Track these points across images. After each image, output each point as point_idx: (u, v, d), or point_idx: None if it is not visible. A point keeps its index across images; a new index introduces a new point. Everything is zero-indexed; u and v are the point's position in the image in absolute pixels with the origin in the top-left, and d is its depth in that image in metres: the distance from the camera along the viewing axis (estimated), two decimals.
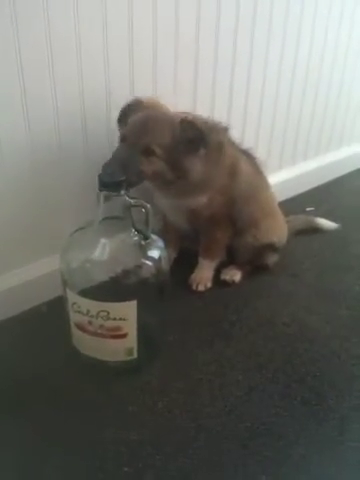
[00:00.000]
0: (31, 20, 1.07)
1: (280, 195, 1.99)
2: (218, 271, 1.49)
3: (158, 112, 1.20)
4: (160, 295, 1.12)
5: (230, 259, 1.50)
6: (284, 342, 1.26)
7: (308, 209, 1.99)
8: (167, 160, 1.15)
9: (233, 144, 1.35)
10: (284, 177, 2.02)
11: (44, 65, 1.14)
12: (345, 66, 2.08)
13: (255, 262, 1.51)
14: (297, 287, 1.50)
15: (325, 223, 1.77)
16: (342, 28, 1.94)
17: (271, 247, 1.51)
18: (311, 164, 2.18)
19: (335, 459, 0.97)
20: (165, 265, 1.10)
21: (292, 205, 2.01)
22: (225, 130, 1.29)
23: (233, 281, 1.47)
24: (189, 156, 1.18)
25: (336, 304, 1.41)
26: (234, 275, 1.48)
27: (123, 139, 1.16)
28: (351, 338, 1.28)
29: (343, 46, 1.99)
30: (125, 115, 1.19)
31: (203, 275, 1.46)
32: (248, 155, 1.41)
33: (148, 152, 1.14)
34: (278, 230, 1.54)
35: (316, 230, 1.76)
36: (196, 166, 1.20)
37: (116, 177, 1.00)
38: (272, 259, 1.55)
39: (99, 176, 1.01)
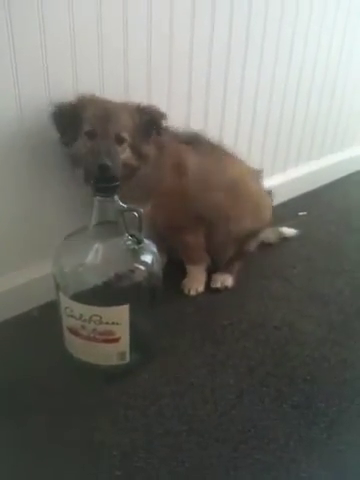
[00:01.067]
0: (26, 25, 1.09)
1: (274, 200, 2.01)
2: (209, 278, 1.49)
3: (112, 102, 1.18)
4: (152, 299, 1.12)
5: (215, 264, 1.49)
6: (275, 346, 1.27)
7: (301, 213, 2.01)
8: (132, 146, 1.16)
9: (174, 141, 1.30)
10: (276, 182, 2.03)
11: (40, 78, 1.16)
12: (337, 71, 2.11)
13: (238, 256, 1.49)
14: (289, 291, 1.51)
15: (287, 231, 1.76)
16: (335, 33, 1.97)
17: (250, 235, 1.47)
18: (303, 169, 2.20)
19: (325, 462, 0.98)
20: (158, 269, 1.11)
21: (285, 210, 2.03)
22: (164, 129, 1.24)
23: (226, 287, 1.47)
24: (146, 141, 1.19)
25: (327, 308, 1.43)
26: (225, 281, 1.48)
27: (93, 135, 1.14)
28: (342, 342, 1.29)
29: (336, 52, 2.02)
30: (75, 113, 1.14)
31: (194, 280, 1.45)
32: (195, 140, 1.35)
33: (120, 140, 1.14)
34: (253, 213, 1.45)
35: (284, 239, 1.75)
36: (152, 151, 1.21)
37: (108, 170, 1.07)
38: (254, 244, 1.54)
39: (94, 181, 1.02)
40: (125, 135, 1.14)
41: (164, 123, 1.19)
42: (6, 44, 1.08)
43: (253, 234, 1.50)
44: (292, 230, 1.75)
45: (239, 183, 1.41)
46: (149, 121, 1.18)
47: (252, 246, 1.55)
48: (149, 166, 1.21)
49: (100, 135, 1.13)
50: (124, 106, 1.18)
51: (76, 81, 1.22)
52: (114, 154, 1.12)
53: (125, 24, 1.26)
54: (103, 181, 1.03)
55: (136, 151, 1.17)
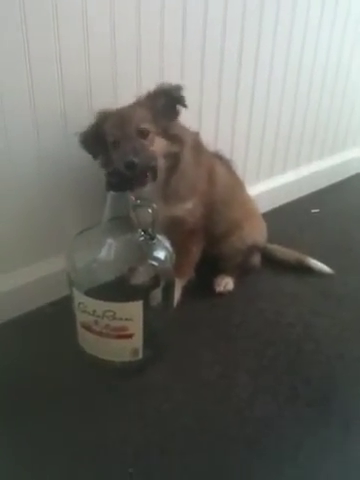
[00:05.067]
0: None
1: (285, 197, 2.01)
2: (210, 281, 1.47)
3: (127, 106, 1.17)
4: (166, 295, 1.12)
5: (220, 267, 1.48)
6: (289, 344, 1.26)
7: (313, 211, 1.99)
8: (161, 133, 1.15)
9: (207, 149, 1.33)
10: (289, 179, 2.03)
11: (53, 79, 1.16)
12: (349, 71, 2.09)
13: (243, 265, 1.50)
14: (302, 288, 1.50)
15: (317, 265, 1.57)
16: (334, 32, 1.93)
17: (256, 247, 1.50)
18: (315, 166, 2.18)
19: (340, 461, 0.97)
20: (171, 265, 1.10)
21: (297, 207, 2.02)
22: (197, 134, 1.28)
23: (228, 291, 1.46)
24: (173, 121, 1.17)
25: (341, 306, 1.41)
26: (227, 284, 1.47)
27: (116, 143, 1.14)
28: (357, 340, 1.28)
29: (335, 51, 1.99)
30: (98, 130, 1.16)
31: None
32: (220, 157, 1.40)
33: (143, 133, 1.13)
34: (260, 229, 1.53)
35: (307, 269, 1.57)
36: (185, 130, 1.20)
37: (135, 167, 1.06)
38: (258, 259, 1.55)
39: (107, 176, 1.01)
40: (146, 126, 1.12)
41: (182, 93, 1.15)
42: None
43: (256, 248, 1.51)
44: (325, 267, 1.57)
45: (249, 203, 1.52)
46: (168, 101, 1.15)
47: (256, 261, 1.54)
48: (187, 161, 1.21)
49: (122, 140, 1.12)
50: (137, 103, 1.16)
51: (90, 88, 1.22)
52: (139, 149, 1.10)
53: (138, 39, 1.28)
54: (116, 176, 1.02)
55: (169, 138, 1.16)
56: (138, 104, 1.16)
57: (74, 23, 1.15)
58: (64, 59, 1.16)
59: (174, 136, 1.17)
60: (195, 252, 1.36)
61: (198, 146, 1.27)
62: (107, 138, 1.15)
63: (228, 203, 1.37)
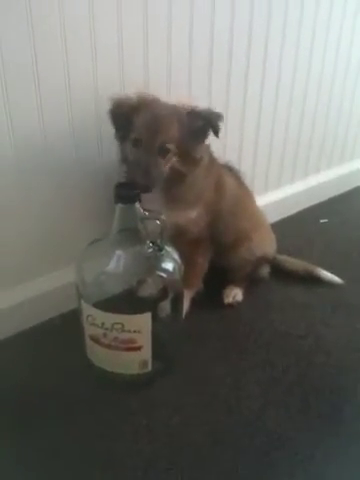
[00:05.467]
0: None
1: (293, 207, 2.00)
2: (219, 292, 1.46)
3: (163, 108, 1.16)
4: (174, 307, 1.11)
5: (228, 278, 1.48)
6: (300, 355, 1.25)
7: (322, 221, 1.99)
8: (179, 154, 1.14)
9: (216, 160, 1.33)
10: (297, 189, 2.02)
11: (61, 89, 1.17)
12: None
13: (252, 276, 1.50)
14: (312, 299, 1.48)
15: (327, 275, 1.56)
16: (341, 45, 1.93)
17: (265, 259, 1.50)
18: (324, 176, 2.17)
19: (353, 474, 0.95)
20: (179, 277, 1.10)
21: (305, 217, 2.01)
22: (207, 146, 1.26)
23: (237, 302, 1.45)
24: (198, 144, 1.17)
25: (352, 317, 1.40)
26: (236, 295, 1.46)
27: (137, 144, 1.14)
28: None
29: (343, 62, 1.99)
30: (127, 115, 1.15)
31: None
32: (230, 169, 1.40)
33: (164, 151, 1.12)
34: (269, 240, 1.53)
35: (316, 280, 1.56)
36: (203, 153, 1.20)
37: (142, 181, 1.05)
38: (266, 270, 1.54)
39: (115, 189, 1.01)
40: (170, 146, 1.12)
41: (221, 124, 1.14)
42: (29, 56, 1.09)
43: (265, 259, 1.51)
44: (335, 277, 1.56)
45: (258, 214, 1.51)
46: (204, 126, 1.14)
47: (265, 272, 1.54)
48: (202, 169, 1.21)
49: (145, 146, 1.12)
50: (175, 112, 1.14)
51: (96, 95, 1.23)
52: (154, 167, 1.11)
53: (145, 46, 1.28)
54: (125, 188, 1.02)
55: (184, 158, 1.15)
56: (176, 116, 1.14)
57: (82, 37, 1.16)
58: (72, 73, 1.17)
59: (191, 159, 1.16)
60: (201, 263, 1.36)
61: (210, 156, 1.27)
62: (132, 130, 1.14)
63: (236, 214, 1.37)
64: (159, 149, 1.11)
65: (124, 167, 1.19)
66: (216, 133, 1.15)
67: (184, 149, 1.14)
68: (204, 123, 1.14)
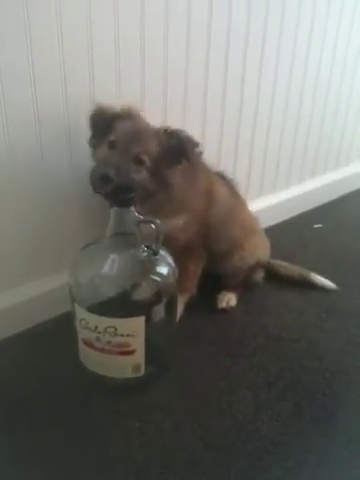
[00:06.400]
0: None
1: (288, 212, 2.01)
2: (213, 297, 1.46)
3: (145, 123, 1.18)
4: (168, 311, 1.11)
5: (222, 283, 1.48)
6: (293, 359, 1.25)
7: (316, 226, 1.99)
8: (152, 171, 1.14)
9: (207, 168, 1.33)
10: (292, 194, 2.03)
11: (58, 96, 1.16)
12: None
13: (246, 281, 1.51)
14: (306, 304, 1.49)
15: (320, 280, 1.57)
16: (337, 49, 1.94)
17: (258, 265, 1.50)
18: (319, 181, 2.18)
19: (344, 477, 0.95)
20: (174, 281, 1.10)
21: (300, 222, 2.02)
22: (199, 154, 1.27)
23: (231, 307, 1.45)
24: (172, 168, 1.16)
25: (346, 321, 1.40)
26: (230, 300, 1.46)
27: (113, 146, 1.14)
28: None
29: (339, 67, 2.00)
30: (108, 120, 1.15)
31: None
32: (223, 177, 1.40)
33: (138, 161, 1.12)
34: (263, 247, 1.53)
35: (310, 284, 1.57)
36: (177, 179, 1.18)
37: (110, 182, 1.05)
38: (260, 275, 1.55)
39: (110, 192, 1.01)
40: (145, 158, 1.12)
41: (195, 151, 1.15)
42: (25, 57, 1.09)
43: (258, 265, 1.52)
44: (329, 282, 1.57)
45: (250, 221, 1.51)
46: (176, 146, 1.14)
47: (259, 277, 1.55)
48: (180, 181, 1.19)
49: (120, 149, 1.12)
50: (154, 130, 1.16)
51: (93, 91, 1.23)
52: (124, 170, 1.10)
53: (142, 56, 1.29)
54: (120, 192, 1.02)
55: (156, 176, 1.14)
56: (155, 133, 1.15)
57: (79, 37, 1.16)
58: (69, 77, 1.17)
59: (162, 181, 1.15)
60: (193, 270, 1.35)
61: (197, 167, 1.24)
62: (111, 133, 1.14)
63: (228, 223, 1.37)
64: (134, 157, 1.11)
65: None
66: (187, 158, 1.14)
67: (157, 168, 1.14)
68: (178, 144, 1.14)
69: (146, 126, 1.17)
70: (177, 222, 1.24)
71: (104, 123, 1.15)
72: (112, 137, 1.14)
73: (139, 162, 1.12)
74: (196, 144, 1.15)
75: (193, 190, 1.25)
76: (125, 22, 1.22)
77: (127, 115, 1.16)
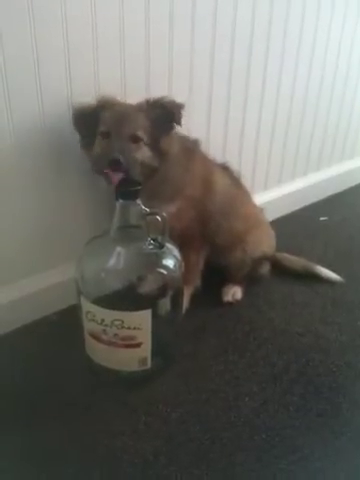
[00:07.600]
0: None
1: (293, 205, 2.01)
2: (219, 290, 1.46)
3: (126, 104, 1.19)
4: (174, 304, 1.11)
5: (227, 276, 1.48)
6: (299, 353, 1.25)
7: (322, 219, 1.99)
8: (150, 144, 1.14)
9: (207, 158, 1.33)
10: (297, 187, 2.02)
11: (63, 94, 1.16)
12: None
13: (252, 274, 1.49)
14: (311, 297, 1.48)
15: (326, 273, 1.57)
16: (342, 44, 1.93)
17: (263, 258, 1.49)
18: (324, 174, 2.17)
19: (351, 473, 0.95)
20: (180, 274, 1.09)
21: (305, 215, 2.01)
22: (194, 141, 1.28)
23: (236, 300, 1.45)
24: (166, 135, 1.17)
25: (352, 314, 1.40)
26: (235, 293, 1.46)
27: (106, 135, 1.14)
28: None
29: (344, 61, 1.99)
30: (91, 116, 1.15)
31: None
32: (225, 168, 1.39)
33: (135, 139, 1.13)
34: (266, 240, 1.52)
35: (315, 277, 1.57)
36: (173, 147, 1.19)
37: (120, 166, 1.06)
38: (266, 268, 1.54)
39: (117, 186, 1.01)
40: (140, 134, 1.13)
41: (181, 112, 1.15)
42: (29, 45, 1.08)
43: (263, 258, 1.50)
44: (334, 274, 1.57)
45: (254, 214, 1.49)
46: (164, 114, 1.15)
47: (264, 270, 1.54)
48: (172, 165, 1.20)
49: (114, 135, 1.12)
50: (138, 105, 1.17)
51: (98, 81, 1.23)
52: (128, 152, 1.10)
53: (147, 49, 1.28)
54: (125, 185, 1.02)
55: (155, 150, 1.15)
56: (139, 108, 1.16)
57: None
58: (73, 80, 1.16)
59: (161, 150, 1.16)
60: (194, 260, 1.34)
61: (190, 152, 1.26)
62: (100, 125, 1.15)
63: (229, 214, 1.36)
64: (130, 137, 1.12)
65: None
66: (176, 121, 1.15)
67: (154, 140, 1.14)
68: (163, 111, 1.15)
69: (129, 106, 1.18)
70: (170, 209, 1.20)
71: (89, 120, 1.15)
72: (102, 128, 1.14)
73: (136, 140, 1.13)
74: (181, 106, 1.15)
75: (186, 177, 1.25)
76: (129, 17, 1.22)
77: (106, 103, 1.16)
